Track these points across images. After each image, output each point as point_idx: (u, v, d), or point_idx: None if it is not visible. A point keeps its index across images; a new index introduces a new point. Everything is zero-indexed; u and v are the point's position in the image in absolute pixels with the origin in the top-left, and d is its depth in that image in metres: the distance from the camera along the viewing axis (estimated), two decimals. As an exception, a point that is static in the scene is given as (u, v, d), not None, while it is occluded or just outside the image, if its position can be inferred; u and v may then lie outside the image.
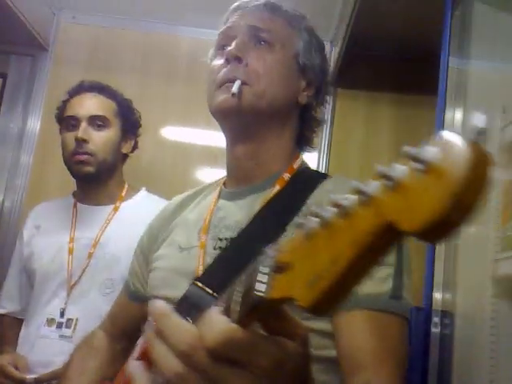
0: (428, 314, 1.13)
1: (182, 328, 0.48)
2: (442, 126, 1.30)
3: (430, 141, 0.32)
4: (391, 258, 0.84)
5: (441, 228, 0.30)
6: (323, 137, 2.22)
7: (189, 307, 0.78)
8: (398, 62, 1.95)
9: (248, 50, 0.98)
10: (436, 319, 1.13)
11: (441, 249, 1.17)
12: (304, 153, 1.08)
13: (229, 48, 0.99)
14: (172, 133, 2.35)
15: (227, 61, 0.97)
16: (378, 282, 0.82)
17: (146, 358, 0.82)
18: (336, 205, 0.36)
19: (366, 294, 0.81)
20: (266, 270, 0.43)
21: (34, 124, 2.32)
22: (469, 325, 1.12)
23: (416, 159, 0.31)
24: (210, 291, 0.80)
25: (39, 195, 2.13)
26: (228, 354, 0.45)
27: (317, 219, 0.38)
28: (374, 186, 0.33)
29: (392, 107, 2.15)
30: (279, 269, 0.42)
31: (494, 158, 1.25)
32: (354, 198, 0.35)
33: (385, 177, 0.33)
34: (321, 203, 0.81)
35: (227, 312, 0.47)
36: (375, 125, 2.18)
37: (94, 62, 2.34)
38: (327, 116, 2.22)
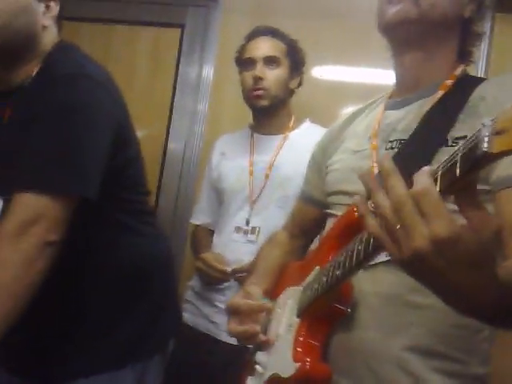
0: None
1: (398, 183, 0.65)
2: None
3: None
4: None
5: None
6: (482, 60, 2.24)
7: None
8: None
9: None
10: None
11: None
12: (465, 64, 1.15)
13: None
14: (327, 71, 2.51)
15: None
16: None
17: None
18: None
19: None
20: (487, 133, 0.56)
21: (209, 71, 2.61)
22: None
23: None
24: None
25: (215, 138, 2.33)
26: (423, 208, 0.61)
27: None
28: None
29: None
30: (497, 133, 0.55)
31: None
32: None
33: None
34: (483, 98, 0.94)
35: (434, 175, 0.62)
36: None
37: (259, 10, 2.58)
38: (485, 40, 2.22)
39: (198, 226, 2.18)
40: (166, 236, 1.59)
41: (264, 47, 1.98)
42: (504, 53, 2.26)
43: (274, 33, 2.01)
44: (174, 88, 2.67)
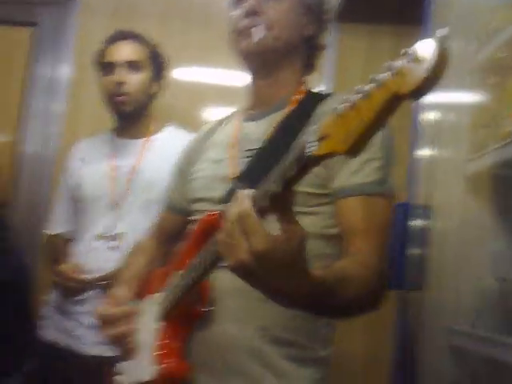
0: (408, 207, 1.40)
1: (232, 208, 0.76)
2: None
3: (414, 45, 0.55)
4: (379, 154, 1.07)
5: (422, 89, 0.53)
6: (327, 70, 2.40)
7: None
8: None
9: (262, 2, 1.19)
10: (417, 212, 1.39)
11: (423, 159, 1.42)
12: (308, 76, 1.28)
13: (246, 3, 1.19)
14: (190, 74, 2.54)
15: (246, 13, 1.18)
16: (368, 174, 1.06)
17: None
18: (358, 92, 0.59)
19: (360, 183, 1.05)
20: (312, 139, 0.65)
21: (65, 71, 2.50)
22: (443, 216, 1.38)
23: (406, 54, 0.55)
24: (248, 186, 1.04)
25: (74, 139, 2.25)
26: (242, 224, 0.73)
27: (345, 104, 0.61)
28: (382, 76, 0.57)
29: (391, 38, 2.33)
30: (321, 138, 0.64)
31: (467, 80, 1.46)
32: (370, 85, 0.58)
33: (389, 68, 0.56)
34: (326, 113, 1.05)
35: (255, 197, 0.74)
36: (376, 55, 2.38)
37: (117, 10, 2.52)
38: (331, 49, 2.39)
39: (52, 235, 2.05)
40: (21, 250, 1.50)
41: (125, 51, 1.94)
42: (349, 59, 2.43)
43: (135, 37, 1.97)
44: (26, 88, 2.52)
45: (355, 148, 0.59)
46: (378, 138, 1.07)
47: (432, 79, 0.53)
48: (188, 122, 2.25)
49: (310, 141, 0.65)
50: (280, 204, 0.73)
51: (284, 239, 0.72)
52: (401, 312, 1.37)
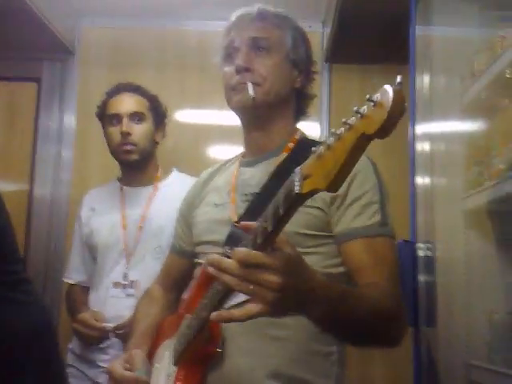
0: (414, 245, 1.46)
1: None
2: (414, 90, 1.59)
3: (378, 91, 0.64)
4: (376, 197, 1.15)
5: (385, 129, 0.61)
6: (323, 108, 2.51)
7: (234, 242, 1.10)
8: (382, 36, 2.20)
9: (251, 59, 1.27)
10: (420, 247, 1.45)
11: (421, 193, 1.48)
12: (301, 122, 1.37)
13: (237, 60, 1.27)
14: (190, 117, 2.64)
15: (237, 71, 1.26)
16: (369, 217, 1.13)
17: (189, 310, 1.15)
18: (334, 134, 0.68)
19: (362, 226, 1.13)
20: (297, 179, 0.74)
21: (71, 121, 2.62)
22: (446, 250, 1.44)
23: (370, 100, 0.63)
24: None
25: (83, 185, 2.41)
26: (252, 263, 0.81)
27: (322, 146, 0.70)
28: (351, 120, 0.65)
29: (382, 77, 2.43)
30: (304, 178, 0.73)
31: (457, 116, 1.53)
32: (342, 128, 0.67)
33: (357, 113, 0.64)
34: None
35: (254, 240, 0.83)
36: (368, 93, 2.46)
37: (115, 61, 2.62)
38: (325, 90, 2.52)
39: (72, 285, 2.12)
40: (44, 302, 1.55)
41: (128, 103, 2.03)
42: (343, 99, 2.53)
43: (136, 89, 2.06)
44: (35, 139, 2.63)
45: (334, 184, 0.68)
46: (372, 182, 1.17)
47: (391, 119, 0.61)
48: (193, 163, 2.34)
49: (295, 181, 0.74)
50: (273, 239, 0.82)
51: (280, 247, 0.82)
52: (417, 348, 1.42)
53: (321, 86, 2.49)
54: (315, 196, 1.11)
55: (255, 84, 1.24)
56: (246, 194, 1.25)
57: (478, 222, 1.36)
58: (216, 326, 1.10)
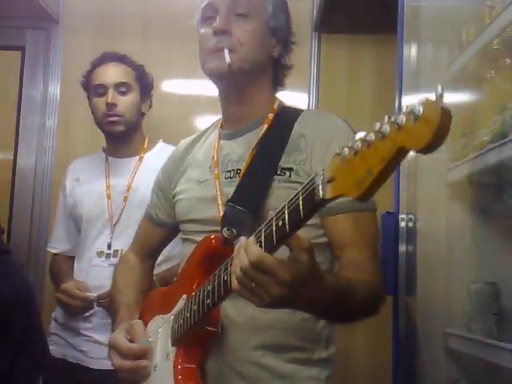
0: (396, 216, 1.46)
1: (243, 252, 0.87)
2: (401, 60, 1.58)
3: (417, 102, 0.60)
4: None
5: (430, 148, 0.59)
6: (311, 79, 2.49)
7: (230, 222, 1.12)
8: (371, 6, 2.18)
9: (230, 22, 1.22)
10: (403, 219, 1.46)
11: (404, 166, 1.48)
12: (279, 92, 1.33)
13: (215, 23, 1.22)
14: (176, 87, 2.61)
15: (215, 32, 1.22)
16: None
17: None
18: (362, 140, 0.66)
19: (346, 201, 1.11)
20: (320, 182, 0.73)
21: (55, 91, 2.59)
22: (428, 222, 1.45)
23: (410, 112, 0.60)
24: (242, 208, 1.13)
25: (68, 154, 2.41)
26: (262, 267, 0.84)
27: (347, 150, 0.68)
28: (385, 128, 0.62)
29: (371, 47, 2.43)
30: (328, 181, 0.71)
31: (443, 88, 1.51)
32: (371, 135, 0.64)
33: (393, 122, 0.62)
34: (302, 135, 1.13)
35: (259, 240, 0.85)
36: (358, 64, 2.46)
37: (100, 30, 2.58)
38: (314, 60, 2.49)
39: (56, 254, 2.12)
40: (23, 271, 1.55)
41: (114, 73, 1.99)
42: (331, 69, 2.51)
43: (121, 59, 2.02)
44: (19, 107, 2.60)
45: (367, 195, 0.66)
46: None
47: (438, 139, 0.58)
48: (179, 134, 2.30)
49: (318, 184, 0.73)
50: (289, 239, 0.84)
51: (296, 256, 0.84)
52: (396, 316, 1.44)
53: (310, 56, 2.47)
54: (299, 170, 1.15)
55: (232, 50, 1.20)
56: (228, 171, 1.24)
57: (461, 194, 1.36)
58: (216, 308, 1.09)
